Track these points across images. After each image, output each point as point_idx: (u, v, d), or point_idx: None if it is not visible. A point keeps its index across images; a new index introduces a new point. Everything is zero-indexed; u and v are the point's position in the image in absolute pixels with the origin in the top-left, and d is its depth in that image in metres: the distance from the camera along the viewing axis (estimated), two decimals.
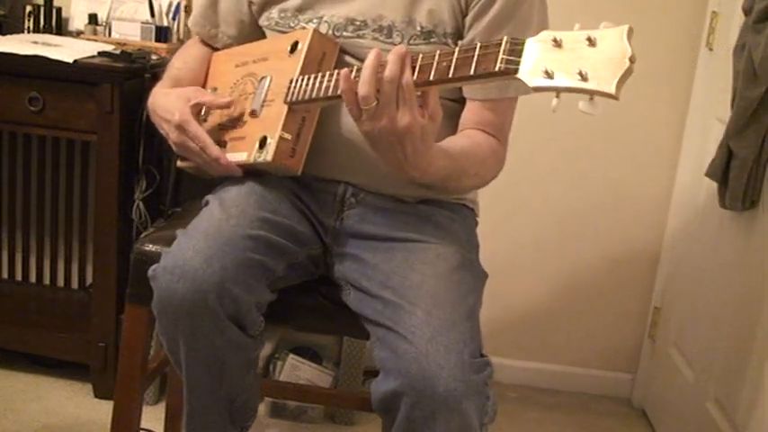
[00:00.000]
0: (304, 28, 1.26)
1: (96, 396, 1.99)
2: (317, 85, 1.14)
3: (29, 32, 2.09)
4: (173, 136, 1.25)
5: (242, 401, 1.20)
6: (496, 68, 0.89)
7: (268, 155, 1.17)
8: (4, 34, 2.02)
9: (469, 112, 1.24)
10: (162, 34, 2.06)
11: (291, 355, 2.05)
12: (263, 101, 1.25)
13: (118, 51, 1.85)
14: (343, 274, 1.22)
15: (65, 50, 1.82)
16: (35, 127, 1.89)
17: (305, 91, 1.16)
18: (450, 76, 0.95)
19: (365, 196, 1.26)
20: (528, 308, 2.31)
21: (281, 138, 1.17)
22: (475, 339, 1.07)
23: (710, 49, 2.02)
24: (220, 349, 1.11)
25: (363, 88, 0.99)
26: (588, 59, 0.81)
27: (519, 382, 2.32)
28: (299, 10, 1.28)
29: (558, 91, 0.84)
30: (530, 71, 0.85)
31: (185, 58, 1.43)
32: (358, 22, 1.24)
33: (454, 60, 0.94)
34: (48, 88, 1.82)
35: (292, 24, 1.29)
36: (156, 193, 1.96)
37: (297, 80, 1.18)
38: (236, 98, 1.30)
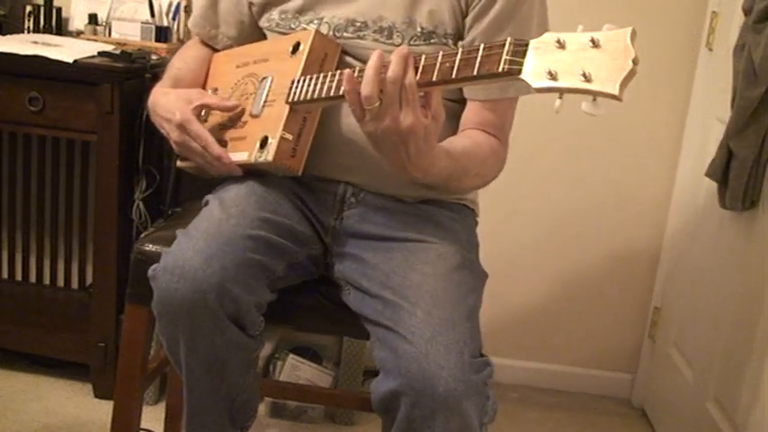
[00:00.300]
0: (305, 29, 1.26)
1: (96, 396, 1.99)
2: (318, 85, 1.14)
3: (29, 32, 2.09)
4: (174, 135, 1.24)
5: (242, 401, 1.20)
6: (500, 69, 0.89)
7: (269, 155, 1.17)
8: (4, 34, 2.02)
9: (470, 113, 1.24)
10: (162, 34, 2.06)
11: (291, 355, 2.05)
12: (265, 101, 1.25)
13: (118, 51, 1.85)
14: (343, 273, 1.22)
15: (65, 50, 1.82)
16: (35, 127, 1.89)
17: (306, 91, 1.16)
18: (453, 76, 0.95)
19: (365, 196, 1.26)
20: (528, 308, 2.31)
21: (282, 138, 1.17)
22: (475, 339, 1.07)
23: (710, 49, 2.02)
24: (220, 349, 1.11)
25: (366, 88, 0.99)
26: (592, 61, 0.81)
27: (519, 382, 2.32)
28: (300, 11, 1.28)
29: (561, 92, 0.84)
30: (533, 72, 0.85)
31: (185, 59, 1.43)
32: (358, 23, 1.24)
33: (457, 61, 0.94)
34: (48, 88, 1.82)
35: (293, 26, 1.29)
36: (156, 193, 1.96)
37: (298, 80, 1.18)
38: (236, 98, 1.30)
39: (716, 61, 1.97)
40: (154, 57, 1.97)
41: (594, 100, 0.82)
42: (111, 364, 1.93)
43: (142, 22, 2.06)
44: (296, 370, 2.03)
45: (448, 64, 0.95)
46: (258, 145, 1.19)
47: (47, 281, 2.28)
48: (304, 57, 1.20)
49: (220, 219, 1.13)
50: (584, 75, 0.81)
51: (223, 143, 1.26)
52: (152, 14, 2.07)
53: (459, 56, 0.94)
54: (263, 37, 1.36)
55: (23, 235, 2.26)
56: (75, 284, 2.29)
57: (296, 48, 1.23)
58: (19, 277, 2.29)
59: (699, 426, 1.83)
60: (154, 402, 1.99)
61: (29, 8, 2.10)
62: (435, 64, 0.97)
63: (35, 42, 1.89)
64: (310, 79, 1.16)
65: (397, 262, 1.16)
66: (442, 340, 1.02)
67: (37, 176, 2.21)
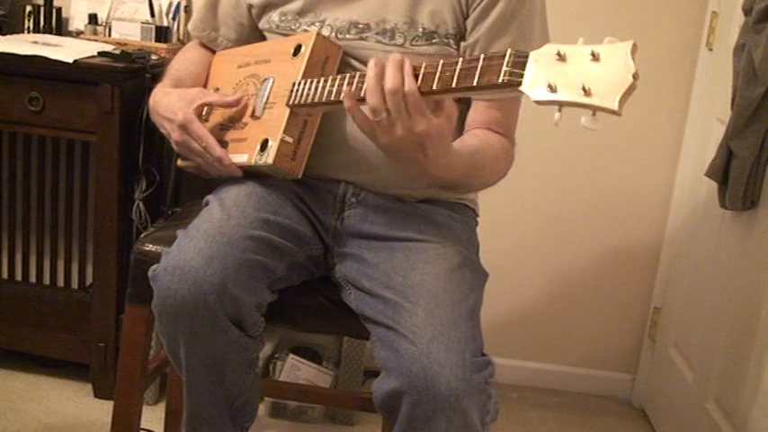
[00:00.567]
0: (306, 31, 1.26)
1: (96, 396, 1.99)
2: (319, 89, 1.14)
3: (29, 32, 2.09)
4: (175, 135, 1.24)
5: (242, 402, 1.20)
6: (500, 81, 0.89)
7: (269, 157, 1.17)
8: (4, 34, 2.02)
9: (476, 113, 1.24)
10: (162, 34, 2.06)
11: (291, 355, 2.05)
12: (265, 103, 1.25)
13: (118, 51, 1.85)
14: (344, 273, 1.22)
15: (65, 50, 1.82)
16: (35, 127, 1.89)
17: (307, 95, 1.16)
18: (453, 85, 0.95)
19: (366, 196, 1.26)
20: (528, 308, 2.31)
21: (282, 141, 1.17)
22: (476, 338, 1.07)
23: (710, 49, 2.02)
24: (220, 349, 1.11)
25: (371, 100, 0.98)
26: (592, 75, 0.81)
27: (519, 382, 2.32)
28: (300, 13, 1.28)
29: (560, 105, 0.84)
30: (533, 84, 0.85)
31: (185, 61, 1.43)
32: (361, 26, 1.24)
33: (458, 70, 0.94)
34: (48, 88, 1.82)
35: (294, 27, 1.29)
36: (156, 193, 1.96)
37: (299, 83, 1.18)
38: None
39: (716, 61, 1.97)
40: (154, 57, 1.97)
41: (594, 114, 0.82)
42: (111, 364, 1.93)
43: (142, 22, 2.06)
44: (296, 370, 2.03)
45: (448, 73, 0.95)
46: (258, 147, 1.19)
47: (47, 281, 2.28)
48: (305, 59, 1.20)
49: (221, 219, 1.13)
50: (583, 89, 0.81)
51: (223, 144, 1.26)
52: (152, 14, 2.07)
53: (459, 65, 0.94)
54: (263, 39, 1.36)
55: (23, 235, 2.26)
56: (75, 284, 2.29)
57: (297, 50, 1.23)
58: (19, 277, 2.29)
59: (699, 426, 1.83)
60: (154, 402, 1.99)
61: (29, 8, 2.09)
62: (435, 72, 0.97)
63: (35, 42, 1.89)
64: (311, 83, 1.16)
65: (398, 262, 1.16)
66: (444, 339, 1.03)
67: (37, 176, 2.21)
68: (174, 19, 2.11)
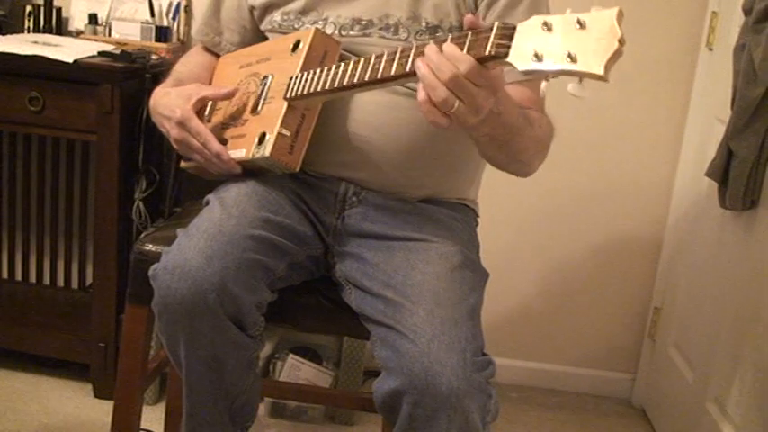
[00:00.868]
0: (309, 28, 1.26)
1: (96, 396, 1.99)
2: (315, 79, 1.14)
3: (29, 32, 2.09)
4: (174, 133, 1.24)
5: (242, 401, 1.20)
6: (486, 53, 0.90)
7: (266, 150, 1.17)
8: (4, 34, 2.02)
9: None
10: (162, 34, 2.06)
11: (291, 355, 2.05)
12: (264, 99, 1.25)
13: (118, 51, 1.85)
14: (345, 273, 1.22)
15: (65, 50, 1.82)
16: (35, 127, 1.89)
17: (304, 86, 1.16)
18: None
19: (366, 195, 1.26)
20: (528, 308, 2.31)
21: (279, 134, 1.17)
22: (477, 338, 1.07)
23: (710, 49, 2.02)
24: (220, 349, 1.11)
25: (436, 94, 0.93)
26: (578, 42, 0.81)
27: (519, 382, 2.32)
28: (303, 12, 1.28)
29: (547, 74, 0.84)
30: (520, 55, 0.86)
31: (188, 64, 1.44)
32: (364, 22, 1.24)
33: None
34: (48, 88, 1.82)
35: (296, 26, 1.29)
36: (156, 193, 1.96)
37: (296, 76, 1.19)
38: (239, 98, 1.31)
39: (716, 61, 1.97)
40: (154, 57, 1.97)
41: (581, 81, 0.82)
42: (111, 364, 1.93)
43: (142, 22, 2.06)
44: (296, 370, 2.03)
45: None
46: (256, 141, 1.20)
47: (47, 281, 2.28)
48: (303, 54, 1.21)
49: (221, 218, 1.13)
50: (569, 56, 0.81)
51: (223, 142, 1.27)
52: (152, 14, 2.07)
53: (449, 41, 0.95)
54: (265, 41, 1.37)
55: (23, 235, 2.26)
56: (75, 284, 2.29)
57: (296, 46, 1.24)
58: (19, 277, 2.29)
59: (699, 426, 1.83)
60: (154, 402, 1.99)
61: (29, 8, 2.09)
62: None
63: (35, 42, 1.89)
64: (308, 74, 1.17)
65: (399, 261, 1.16)
66: (444, 339, 1.03)
67: (37, 176, 2.21)
68: (174, 19, 2.11)
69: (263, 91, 1.26)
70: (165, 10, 2.11)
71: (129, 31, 2.06)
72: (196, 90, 1.28)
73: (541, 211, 2.23)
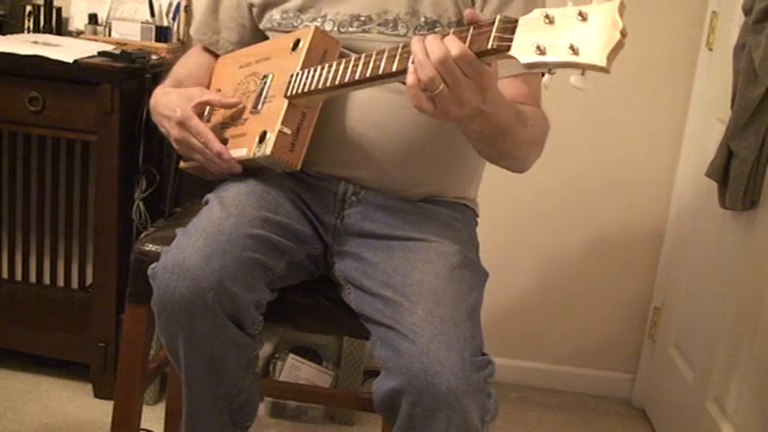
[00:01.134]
0: (308, 27, 1.26)
1: (96, 396, 1.99)
2: (315, 77, 1.15)
3: (29, 32, 2.09)
4: (174, 132, 1.24)
5: (241, 401, 1.20)
6: (489, 46, 0.90)
7: (267, 148, 1.17)
8: (4, 34, 2.02)
9: (503, 89, 1.23)
10: (162, 34, 2.06)
11: (291, 355, 2.05)
12: (265, 98, 1.25)
13: (118, 51, 1.85)
14: (344, 272, 1.22)
15: (65, 50, 1.82)
16: (35, 127, 1.89)
17: (304, 84, 1.16)
18: None
19: (366, 194, 1.26)
20: (528, 308, 2.31)
21: (280, 132, 1.17)
22: (476, 338, 1.07)
23: (710, 49, 2.02)
24: (219, 348, 1.11)
25: (423, 72, 0.94)
26: (579, 34, 0.82)
27: (519, 382, 2.32)
28: (301, 10, 1.29)
29: (549, 66, 0.85)
30: (522, 48, 0.86)
31: (187, 65, 1.44)
32: (363, 18, 1.24)
33: None
34: (48, 88, 1.82)
35: (295, 24, 1.29)
36: (156, 193, 1.96)
37: (297, 74, 1.19)
38: (239, 97, 1.31)
39: (716, 61, 1.97)
40: (154, 57, 1.97)
41: (583, 73, 0.83)
42: (111, 364, 1.93)
43: (142, 22, 2.06)
44: (296, 370, 2.03)
45: None
46: (257, 140, 1.20)
47: (47, 281, 2.28)
48: (303, 52, 1.21)
49: (220, 218, 1.13)
50: (571, 48, 0.81)
51: (224, 141, 1.27)
52: (152, 14, 2.07)
53: (451, 34, 0.95)
54: (265, 40, 1.37)
55: (23, 235, 2.26)
56: (75, 284, 2.29)
57: (296, 45, 1.24)
58: (19, 277, 2.29)
59: (699, 426, 1.83)
60: (154, 402, 1.99)
61: (29, 8, 2.09)
62: None
63: (35, 42, 1.89)
64: (308, 72, 1.17)
65: (398, 261, 1.16)
66: (444, 339, 1.03)
67: (37, 176, 2.21)
68: (174, 19, 2.11)
69: (263, 90, 1.26)
70: (165, 10, 2.11)
71: (129, 31, 2.06)
72: (198, 93, 1.28)
73: (542, 211, 2.23)
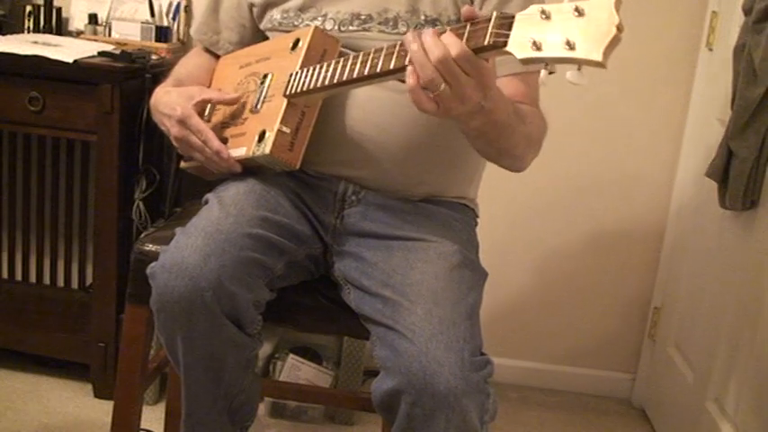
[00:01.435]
0: (309, 26, 1.26)
1: (96, 396, 1.99)
2: (314, 76, 1.15)
3: (29, 32, 2.09)
4: (174, 131, 1.25)
5: (241, 401, 1.20)
6: (486, 43, 0.90)
7: (266, 147, 1.17)
8: (4, 34, 2.02)
9: (503, 89, 1.23)
10: (162, 34, 2.06)
11: (291, 355, 2.05)
12: (264, 97, 1.25)
13: (118, 51, 1.85)
14: (343, 272, 1.22)
15: (65, 50, 1.82)
16: (35, 127, 1.89)
17: (303, 83, 1.17)
18: None
19: (366, 194, 1.26)
20: (528, 308, 2.31)
21: (279, 131, 1.17)
22: (475, 338, 1.07)
23: (710, 49, 2.02)
24: (218, 347, 1.11)
25: (424, 73, 0.94)
26: (576, 29, 0.82)
27: (519, 382, 2.32)
28: (302, 9, 1.29)
29: (546, 62, 0.85)
30: (518, 44, 0.86)
31: (187, 65, 1.45)
32: (363, 17, 1.24)
33: None
34: (48, 88, 1.82)
35: (296, 23, 1.29)
36: (156, 193, 1.96)
37: (296, 73, 1.19)
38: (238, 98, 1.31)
39: (716, 61, 1.97)
40: (154, 57, 1.97)
41: (579, 69, 0.83)
42: (111, 364, 1.93)
43: (142, 22, 2.06)
44: (296, 370, 2.04)
45: None
46: (256, 139, 1.20)
47: (47, 281, 2.29)
48: (303, 52, 1.21)
49: (219, 217, 1.13)
50: (568, 43, 0.82)
51: (224, 140, 1.27)
52: (152, 14, 2.07)
53: (447, 31, 0.95)
54: (265, 40, 1.37)
55: (23, 235, 2.26)
56: (75, 284, 2.29)
57: (295, 44, 1.24)
58: (19, 277, 2.29)
59: (699, 426, 1.83)
60: (154, 402, 1.99)
61: (29, 8, 2.10)
62: None
63: (35, 42, 1.89)
64: (307, 71, 1.17)
65: (398, 260, 1.16)
66: (443, 338, 1.02)
67: (37, 176, 2.21)
68: (174, 19, 2.11)
69: (262, 89, 1.26)
70: (165, 10, 2.11)
71: (129, 31, 2.06)
72: (198, 92, 1.28)
73: (542, 211, 2.23)
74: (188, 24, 2.13)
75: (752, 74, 1.58)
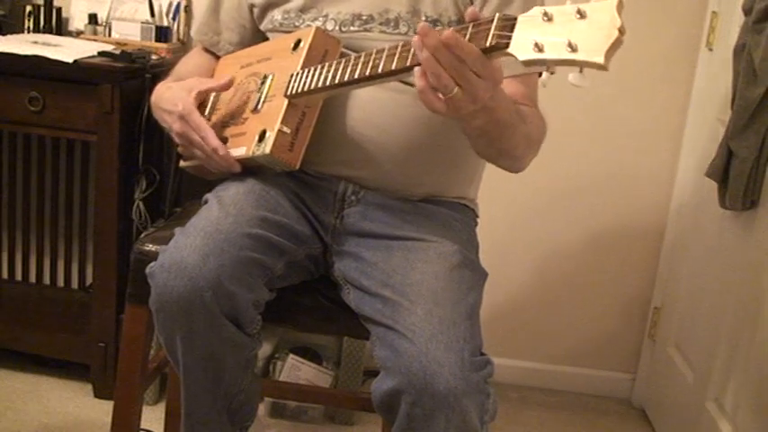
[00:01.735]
0: (310, 26, 1.27)
1: (96, 396, 1.99)
2: (315, 76, 1.15)
3: (29, 32, 2.09)
4: (176, 126, 1.24)
5: (240, 401, 1.20)
6: (488, 44, 0.90)
7: (266, 147, 1.17)
8: (4, 34, 2.02)
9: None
10: (162, 34, 2.06)
11: (291, 355, 2.05)
12: (265, 97, 1.25)
13: (118, 51, 1.85)
14: (343, 272, 1.22)
15: (65, 50, 1.82)
16: (35, 127, 1.89)
17: (304, 83, 1.17)
18: None
19: (366, 194, 1.26)
20: (528, 308, 2.31)
21: (279, 131, 1.18)
22: (475, 338, 1.07)
23: (710, 49, 2.02)
24: (217, 347, 1.11)
25: (438, 80, 0.93)
26: (578, 31, 0.82)
27: (519, 382, 2.32)
28: (303, 10, 1.29)
29: (547, 64, 0.85)
30: (520, 45, 0.86)
31: (188, 64, 1.45)
32: (364, 17, 1.25)
33: None
34: (48, 88, 1.82)
35: (297, 24, 1.29)
36: (156, 193, 1.96)
37: (297, 74, 1.19)
38: (239, 97, 1.31)
39: (716, 61, 1.97)
40: (154, 57, 1.97)
41: (581, 71, 0.83)
42: (111, 364, 1.93)
43: (142, 22, 2.06)
44: (296, 370, 2.04)
45: None
46: (256, 139, 1.20)
47: (47, 281, 2.29)
48: (304, 53, 1.21)
49: (218, 217, 1.13)
50: (570, 45, 0.82)
51: (224, 140, 1.27)
52: (152, 14, 2.07)
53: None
54: (266, 41, 1.37)
55: (23, 235, 2.26)
56: (75, 284, 2.29)
57: (297, 45, 1.24)
58: (19, 277, 2.29)
59: (699, 426, 1.83)
60: (154, 402, 1.99)
61: (29, 8, 2.10)
62: None
63: (35, 42, 1.89)
64: (308, 71, 1.17)
65: (398, 260, 1.16)
66: (443, 339, 1.02)
67: (37, 176, 2.21)
68: (174, 19, 2.11)
69: (263, 89, 1.26)
70: (165, 10, 2.11)
71: (129, 31, 2.06)
72: (197, 83, 1.28)
73: (541, 210, 2.23)
74: (188, 24, 2.13)
75: (752, 74, 1.58)
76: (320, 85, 1.13)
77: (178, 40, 2.12)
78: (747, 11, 1.64)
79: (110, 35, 2.08)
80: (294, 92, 1.18)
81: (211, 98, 1.35)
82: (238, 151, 1.23)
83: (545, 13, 0.85)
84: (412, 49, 0.98)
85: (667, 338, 2.14)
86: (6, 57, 1.78)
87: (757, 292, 1.62)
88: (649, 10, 2.06)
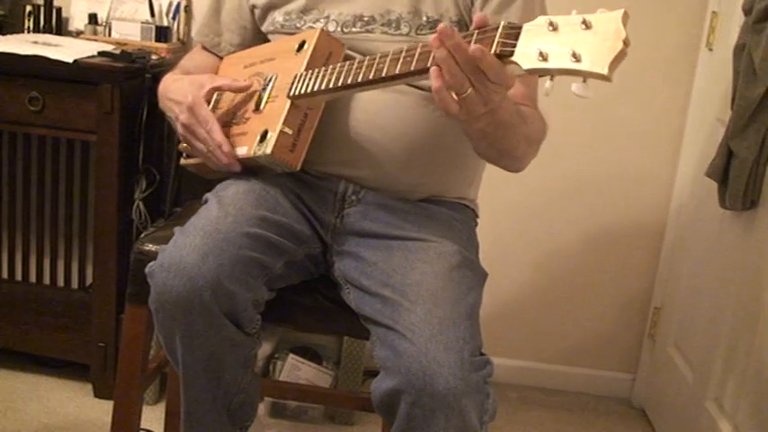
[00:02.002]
0: (312, 27, 1.27)
1: (96, 396, 1.99)
2: (318, 78, 1.15)
3: (29, 32, 2.09)
4: (182, 117, 1.24)
5: (240, 400, 1.20)
6: (492, 52, 0.90)
7: (268, 147, 1.17)
8: (4, 34, 2.02)
9: None
10: (162, 34, 2.06)
11: (291, 355, 2.05)
12: (268, 97, 1.25)
13: (118, 51, 1.85)
14: (343, 272, 1.22)
15: (65, 50, 1.82)
16: (35, 127, 1.89)
17: (308, 85, 1.17)
18: None
19: (366, 194, 1.26)
20: (528, 308, 2.31)
21: (281, 132, 1.18)
22: (475, 338, 1.07)
23: (710, 49, 2.02)
24: (217, 347, 1.11)
25: (450, 79, 0.94)
26: (582, 42, 0.82)
27: (519, 382, 2.32)
28: (304, 11, 1.29)
29: (551, 73, 0.85)
30: (524, 54, 0.87)
31: (193, 60, 1.45)
32: (366, 18, 1.25)
33: None
34: (48, 88, 1.82)
35: (298, 25, 1.29)
36: (156, 193, 1.96)
37: (300, 75, 1.19)
38: (242, 96, 1.31)
39: (716, 61, 1.97)
40: (154, 57, 1.97)
41: (585, 81, 0.83)
42: (111, 364, 1.93)
43: (142, 22, 2.06)
44: (296, 370, 2.04)
45: None
46: (258, 139, 1.20)
47: (47, 281, 2.28)
48: (308, 54, 1.21)
49: (218, 216, 1.13)
50: (574, 55, 0.82)
51: None
52: (152, 14, 2.07)
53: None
54: (266, 42, 1.37)
55: (23, 235, 2.26)
56: (75, 284, 2.29)
57: (301, 46, 1.24)
58: (19, 277, 2.29)
59: (699, 426, 1.83)
60: (154, 402, 1.99)
61: (29, 8, 2.10)
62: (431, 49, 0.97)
63: (35, 42, 1.89)
64: (312, 73, 1.17)
65: (398, 260, 1.16)
66: (442, 339, 1.03)
67: (37, 176, 2.21)
68: (174, 19, 2.11)
69: (266, 90, 1.26)
70: (165, 10, 2.11)
71: (129, 31, 2.06)
72: (209, 80, 1.27)
73: (541, 210, 2.23)
74: (188, 24, 2.13)
75: (752, 74, 1.58)
76: (323, 87, 1.13)
77: (178, 39, 2.12)
78: (747, 11, 1.64)
79: (110, 35, 2.08)
80: (297, 93, 1.18)
81: (214, 96, 1.34)
82: (240, 151, 1.23)
83: (550, 23, 0.85)
84: (416, 54, 0.99)
85: (667, 338, 2.14)
86: (6, 57, 1.78)
87: (757, 292, 1.62)
88: (649, 10, 2.06)
